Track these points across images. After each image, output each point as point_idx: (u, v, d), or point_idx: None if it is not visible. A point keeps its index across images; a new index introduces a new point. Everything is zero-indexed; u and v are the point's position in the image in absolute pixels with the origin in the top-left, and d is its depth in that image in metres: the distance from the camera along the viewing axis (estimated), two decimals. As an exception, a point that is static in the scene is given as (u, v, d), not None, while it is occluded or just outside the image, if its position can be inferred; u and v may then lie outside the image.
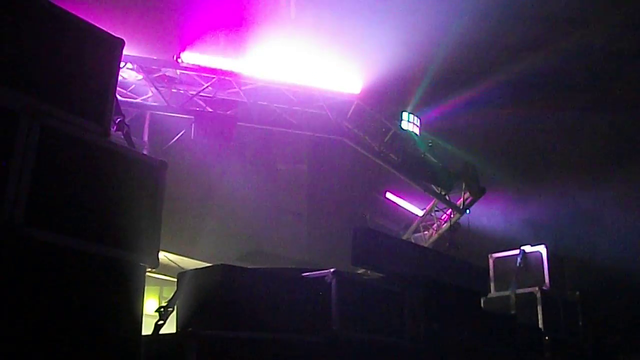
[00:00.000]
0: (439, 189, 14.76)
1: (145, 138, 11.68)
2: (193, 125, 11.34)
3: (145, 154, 6.75)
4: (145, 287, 4.62)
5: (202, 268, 5.96)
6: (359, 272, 8.60)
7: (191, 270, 5.94)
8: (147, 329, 4.80)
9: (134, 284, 4.46)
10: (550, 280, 11.00)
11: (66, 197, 4.18)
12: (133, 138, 6.11)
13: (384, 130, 13.55)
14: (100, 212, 4.37)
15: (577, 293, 11.59)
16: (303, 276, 6.31)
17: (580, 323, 11.39)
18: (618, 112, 16.35)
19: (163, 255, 11.90)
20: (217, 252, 12.85)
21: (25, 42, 4.20)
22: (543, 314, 10.36)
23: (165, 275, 10.43)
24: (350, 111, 12.90)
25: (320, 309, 5.99)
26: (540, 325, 10.25)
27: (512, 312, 10.31)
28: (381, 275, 7.63)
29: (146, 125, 11.70)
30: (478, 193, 15.06)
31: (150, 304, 9.49)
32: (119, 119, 5.49)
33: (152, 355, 4.70)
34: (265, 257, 14.03)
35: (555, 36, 15.19)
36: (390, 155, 13.70)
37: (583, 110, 16.80)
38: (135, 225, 4.52)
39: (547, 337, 10.12)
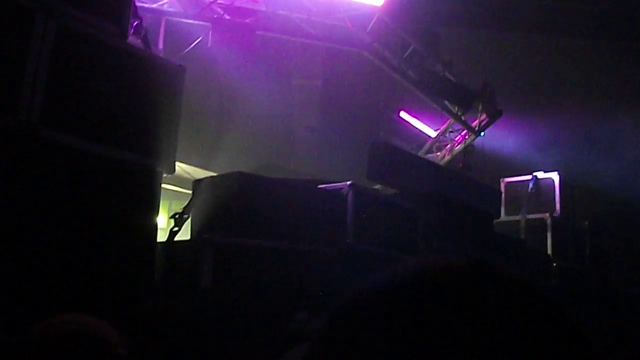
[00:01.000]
0: (456, 108, 14.58)
1: (161, 45, 11.47)
2: (210, 32, 11.13)
3: (163, 57, 6.63)
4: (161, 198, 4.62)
5: (219, 175, 5.93)
6: (374, 187, 8.56)
7: (207, 177, 5.91)
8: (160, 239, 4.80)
9: (150, 189, 4.44)
10: (560, 208, 10.98)
11: (82, 99, 4.12)
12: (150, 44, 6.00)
13: (404, 45, 13.30)
14: (117, 114, 4.31)
15: (587, 222, 11.59)
16: (319, 187, 6.28)
17: (588, 252, 11.42)
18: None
19: (177, 166, 11.90)
20: (231, 165, 12.82)
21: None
22: (552, 241, 10.38)
23: (177, 186, 10.42)
24: (371, 24, 12.62)
25: (336, 220, 5.98)
26: (549, 252, 10.28)
27: (522, 236, 10.31)
28: (396, 191, 7.62)
29: (162, 32, 11.46)
30: (494, 115, 14.88)
31: (159, 219, 9.49)
32: (136, 22, 5.36)
33: (166, 261, 4.71)
34: (279, 171, 14.02)
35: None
36: (409, 71, 13.49)
37: (604, 37, 16.48)
38: (153, 129, 4.47)
39: (554, 264, 10.18)
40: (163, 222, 5.55)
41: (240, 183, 5.40)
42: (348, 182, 6.17)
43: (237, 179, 5.46)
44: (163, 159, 4.56)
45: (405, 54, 13.27)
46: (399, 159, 7.76)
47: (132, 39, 5.13)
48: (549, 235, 10.47)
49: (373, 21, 12.53)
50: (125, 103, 4.35)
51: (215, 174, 6.94)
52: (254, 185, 5.46)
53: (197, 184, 5.69)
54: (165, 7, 11.33)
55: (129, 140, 4.34)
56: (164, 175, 4.66)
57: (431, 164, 10.87)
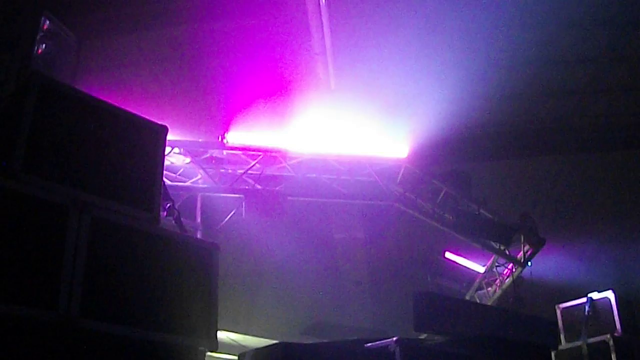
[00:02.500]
0: (497, 244, 14.51)
1: (199, 219, 11.79)
2: (243, 203, 11.43)
3: (196, 237, 6.81)
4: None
5: (263, 347, 5.89)
6: (422, 336, 8.42)
7: (251, 349, 5.88)
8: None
9: (194, 368, 4.44)
10: (621, 326, 10.61)
11: (120, 287, 4.20)
12: (186, 220, 6.18)
13: (435, 190, 13.46)
14: (155, 299, 4.37)
15: (650, 337, 11.14)
16: (366, 347, 6.20)
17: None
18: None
19: (224, 335, 11.86)
20: (279, 328, 12.78)
21: (69, 136, 4.31)
22: (617, 362, 9.97)
23: (228, 354, 10.39)
24: (400, 175, 12.87)
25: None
26: (617, 374, 9.85)
27: (586, 362, 9.93)
28: (446, 338, 7.47)
29: (198, 207, 11.84)
30: (538, 244, 14.76)
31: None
32: (168, 205, 5.55)
33: None
34: (328, 328, 13.89)
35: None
36: (445, 215, 13.57)
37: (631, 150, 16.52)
38: (191, 309, 4.51)
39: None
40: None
41: (284, 354, 5.35)
42: (394, 338, 6.08)
43: (281, 350, 5.42)
44: (204, 337, 4.57)
45: (439, 199, 13.40)
46: (444, 305, 7.67)
47: (166, 221, 5.30)
48: (613, 356, 10.06)
49: (401, 172, 12.77)
50: (162, 286, 4.43)
51: (262, 340, 6.93)
52: (298, 354, 5.40)
53: (242, 357, 5.66)
54: (199, 183, 11.74)
55: (168, 323, 4.38)
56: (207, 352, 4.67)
57: (479, 306, 10.72)
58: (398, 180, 12.91)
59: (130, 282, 4.27)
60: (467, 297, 15.17)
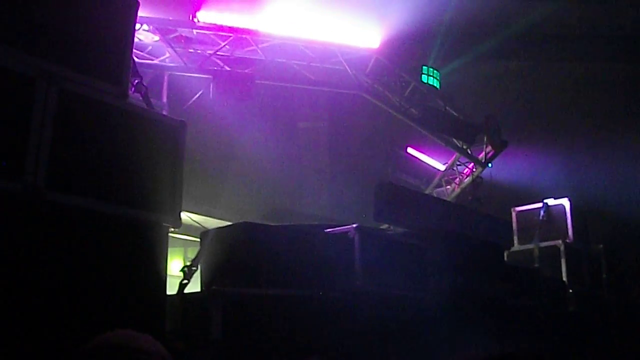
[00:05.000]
0: (461, 142, 14.66)
1: (165, 99, 11.65)
2: (211, 84, 11.30)
3: (164, 114, 6.74)
4: (170, 249, 4.67)
5: (225, 226, 5.99)
6: (381, 227, 8.59)
7: (214, 229, 5.97)
8: (172, 290, 4.85)
9: (157, 244, 4.50)
10: (573, 233, 10.93)
11: (86, 160, 4.20)
12: (152, 100, 6.10)
13: (403, 84, 13.44)
14: (121, 173, 4.38)
15: (601, 246, 11.50)
16: (326, 232, 6.32)
17: (604, 276, 11.31)
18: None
19: (186, 216, 11.98)
20: (240, 211, 12.90)
21: (39, 7, 4.18)
22: (567, 267, 10.31)
23: (189, 235, 10.51)
24: (369, 66, 12.79)
25: (343, 264, 6.01)
26: (564, 278, 10.21)
27: (536, 265, 10.27)
28: (404, 229, 7.62)
29: (165, 86, 11.66)
30: (500, 146, 14.94)
31: (175, 265, 9.57)
32: (137, 81, 5.47)
33: (177, 314, 4.75)
34: (287, 214, 14.07)
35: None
36: (411, 109, 13.61)
37: (606, 61, 16.55)
38: (157, 185, 4.53)
39: (570, 290, 10.10)
40: (179, 268, 5.60)
41: (245, 233, 5.45)
42: (354, 225, 6.21)
43: (243, 229, 5.52)
44: (169, 213, 4.62)
45: (406, 93, 13.40)
46: (404, 197, 7.78)
47: (134, 97, 5.23)
48: (563, 261, 10.39)
49: (371, 63, 12.68)
50: (128, 161, 4.43)
51: (223, 223, 7.00)
52: (259, 234, 5.51)
53: (204, 235, 5.75)
54: (167, 62, 11.53)
55: (133, 197, 4.40)
56: (171, 228, 4.72)
57: (439, 201, 10.87)
58: (367, 71, 12.83)
59: (97, 155, 4.26)
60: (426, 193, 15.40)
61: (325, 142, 17.54)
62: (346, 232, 6.17)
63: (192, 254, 5.86)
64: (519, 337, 7.84)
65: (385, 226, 8.40)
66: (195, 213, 12.49)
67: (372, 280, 6.14)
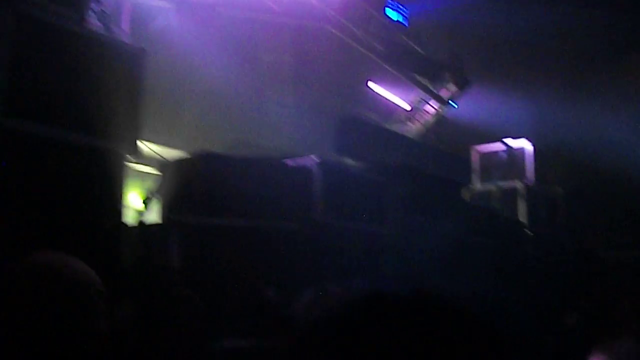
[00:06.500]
0: (425, 79, 14.65)
1: (125, 26, 11.40)
2: (173, 12, 11.08)
3: (124, 41, 6.61)
4: (129, 180, 4.64)
5: (184, 158, 5.96)
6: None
7: (173, 160, 5.94)
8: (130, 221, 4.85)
9: (114, 172, 4.47)
10: (533, 176, 11.05)
11: (44, 86, 4.13)
12: (113, 27, 5.98)
13: (369, 18, 13.32)
14: (80, 100, 4.32)
15: (560, 189, 11.65)
16: (285, 163, 6.31)
17: (563, 218, 11.49)
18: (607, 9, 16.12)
19: (145, 146, 11.86)
20: (202, 143, 12.80)
21: None
22: (525, 208, 10.46)
23: (148, 166, 10.42)
24: (335, -2, 12.65)
25: (302, 196, 6.03)
26: (522, 219, 10.37)
27: (495, 205, 10.40)
28: (365, 164, 7.65)
29: (126, 13, 11.40)
30: (464, 85, 14.98)
31: (134, 198, 9.51)
32: (97, 8, 5.35)
33: (136, 244, 4.76)
34: (249, 147, 14.02)
35: None
36: (375, 44, 13.52)
37: (578, 6, 16.52)
38: (115, 113, 4.48)
39: (528, 231, 10.26)
40: (138, 200, 5.59)
41: (205, 164, 5.43)
42: (313, 157, 6.21)
43: (202, 160, 5.50)
44: (127, 141, 4.58)
45: (372, 27, 13.29)
46: (367, 132, 7.80)
47: (94, 23, 5.13)
48: (521, 203, 10.54)
49: (336, -5, 12.52)
50: (86, 88, 4.36)
51: (182, 154, 6.96)
52: (218, 165, 5.49)
53: (164, 166, 5.72)
54: (128, -12, 11.25)
55: (92, 125, 4.35)
56: (131, 157, 4.69)
57: (400, 137, 10.91)
58: (332, 2, 12.67)
59: (55, 82, 4.19)
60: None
61: (288, 75, 17.37)
62: (306, 164, 6.17)
63: (150, 187, 5.83)
64: (472, 275, 7.97)
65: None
66: (154, 143, 12.36)
67: (330, 213, 6.18)
